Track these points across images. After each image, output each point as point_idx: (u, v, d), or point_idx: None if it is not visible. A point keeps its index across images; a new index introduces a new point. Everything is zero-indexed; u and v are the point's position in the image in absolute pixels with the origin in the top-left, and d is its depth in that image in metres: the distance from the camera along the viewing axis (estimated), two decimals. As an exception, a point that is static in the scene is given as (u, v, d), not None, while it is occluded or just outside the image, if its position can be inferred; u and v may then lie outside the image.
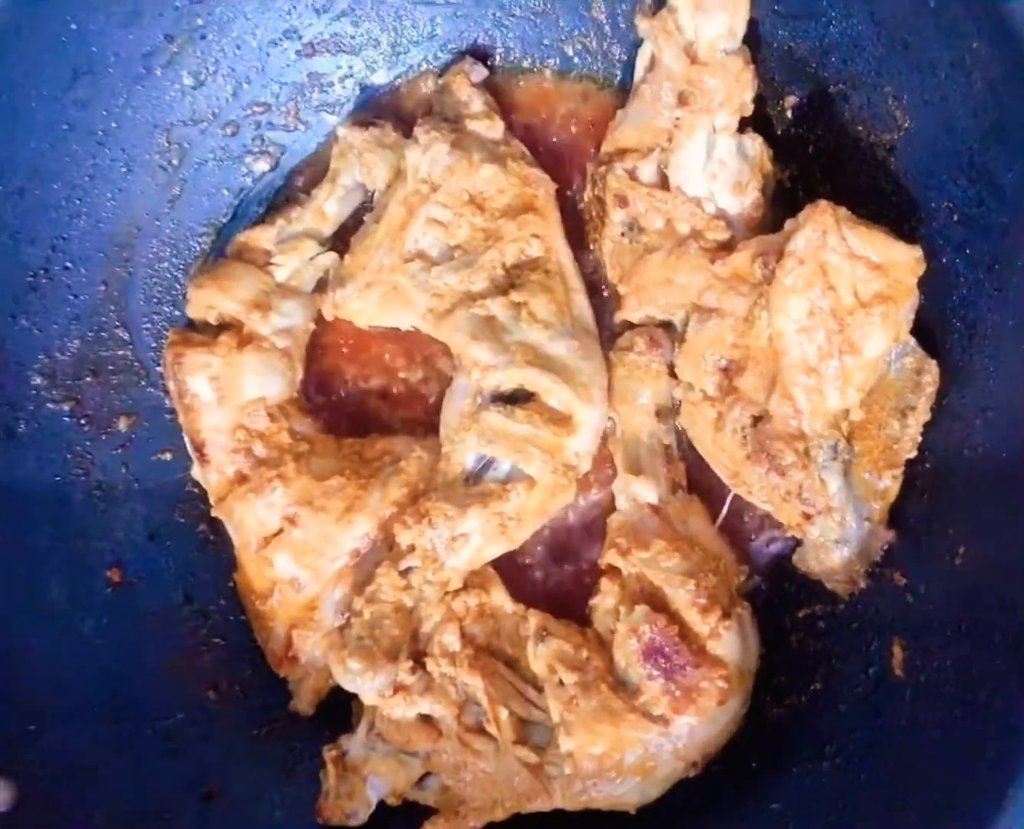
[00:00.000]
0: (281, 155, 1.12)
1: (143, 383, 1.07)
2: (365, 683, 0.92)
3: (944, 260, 0.90)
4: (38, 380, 0.99)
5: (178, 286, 1.07)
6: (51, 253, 0.98)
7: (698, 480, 1.04)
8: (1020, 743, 0.72)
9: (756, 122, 1.01)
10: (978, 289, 0.88)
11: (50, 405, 1.00)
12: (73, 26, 0.93)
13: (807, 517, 0.92)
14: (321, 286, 1.08)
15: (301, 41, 1.07)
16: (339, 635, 0.97)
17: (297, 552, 0.98)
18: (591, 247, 1.08)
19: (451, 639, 0.96)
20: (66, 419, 1.01)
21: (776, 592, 1.04)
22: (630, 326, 1.04)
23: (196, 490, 1.06)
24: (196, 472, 1.04)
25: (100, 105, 0.98)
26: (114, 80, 0.98)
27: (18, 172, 0.94)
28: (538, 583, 1.06)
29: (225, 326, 1.04)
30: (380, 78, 1.12)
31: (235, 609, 1.06)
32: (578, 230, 1.08)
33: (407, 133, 1.05)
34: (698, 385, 0.96)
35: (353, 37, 1.09)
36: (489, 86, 1.09)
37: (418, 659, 0.96)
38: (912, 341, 0.90)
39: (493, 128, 1.04)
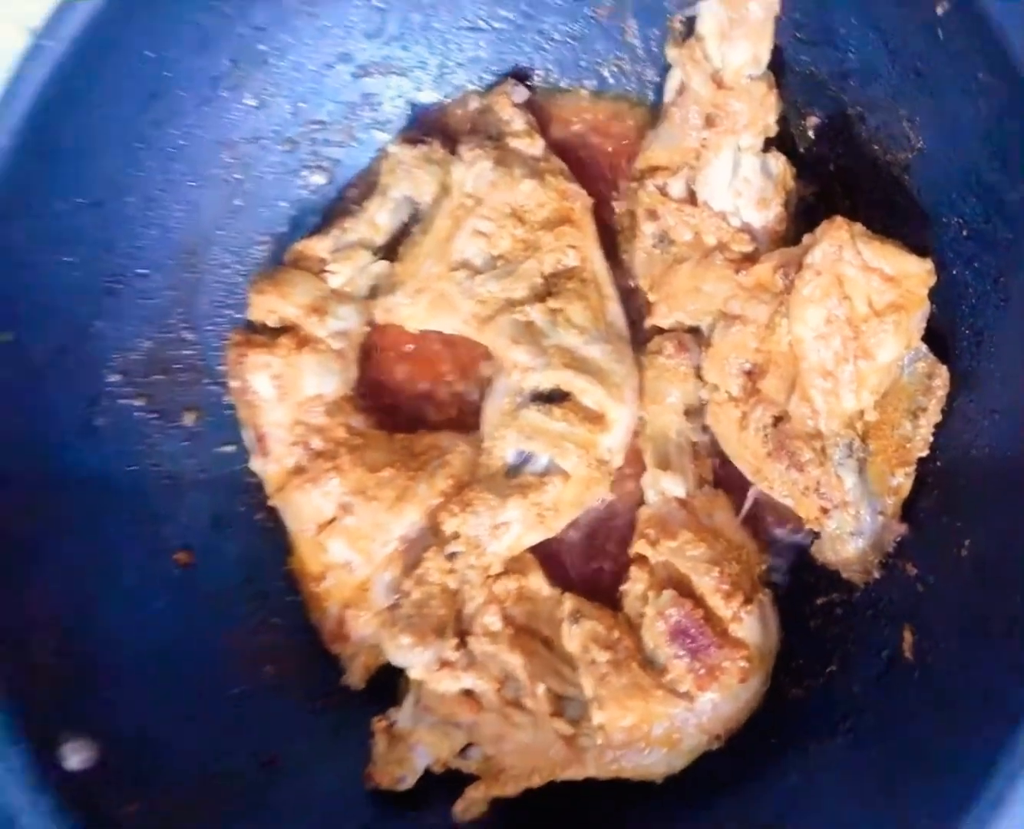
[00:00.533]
0: (335, 169, 1.14)
1: (206, 380, 1.10)
2: (414, 658, 0.95)
3: (954, 272, 0.93)
4: (114, 378, 1.02)
5: (240, 291, 1.11)
6: (126, 260, 1.02)
7: (723, 476, 1.05)
8: (1012, 717, 0.75)
9: (780, 141, 1.03)
10: (985, 300, 0.90)
11: (124, 401, 1.03)
12: (149, 54, 0.98)
13: (824, 511, 0.93)
14: (373, 292, 1.12)
15: (354, 64, 1.12)
16: (390, 614, 0.99)
17: (351, 538, 1.01)
18: (623, 257, 1.10)
19: (492, 620, 0.98)
20: (138, 414, 1.05)
21: (796, 581, 1.05)
22: (660, 331, 1.05)
23: (255, 480, 1.08)
24: (255, 464, 1.06)
25: (172, 125, 1.02)
26: (185, 102, 1.02)
27: (97, 186, 0.98)
28: (573, 569, 1.07)
29: (284, 328, 1.05)
30: (427, 97, 1.16)
31: (291, 591, 1.08)
32: (612, 241, 1.10)
33: (453, 149, 1.10)
34: (723, 387, 0.97)
35: (403, 60, 1.14)
36: (530, 106, 1.12)
37: (462, 638, 0.98)
38: (923, 347, 0.93)
39: (533, 145, 1.08)
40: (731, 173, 1.00)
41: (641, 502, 1.04)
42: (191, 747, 0.95)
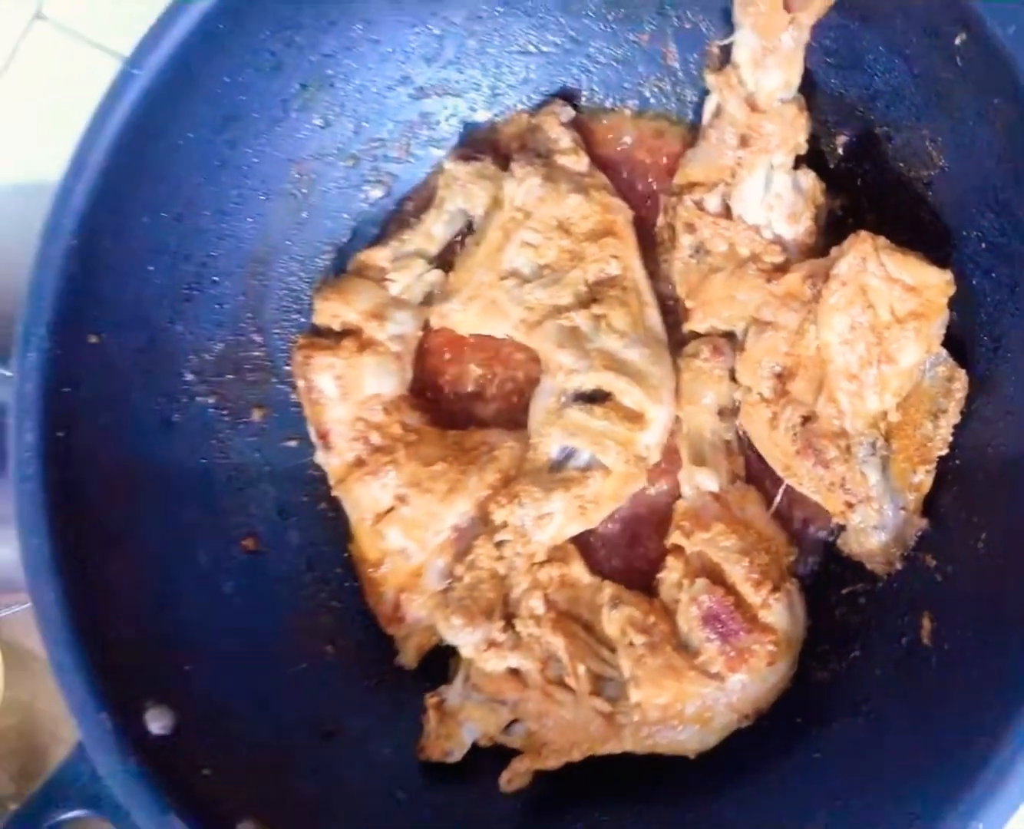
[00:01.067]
0: (394, 184, 1.17)
1: (274, 380, 1.13)
2: (465, 637, 0.97)
3: (973, 282, 0.95)
4: (189, 377, 1.06)
5: (305, 297, 1.13)
6: (201, 269, 1.05)
7: (755, 472, 1.06)
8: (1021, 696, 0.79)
9: (810, 158, 1.03)
10: (1002, 308, 0.93)
11: (198, 398, 1.06)
12: (227, 80, 1.03)
13: (850, 506, 0.94)
14: (428, 299, 1.11)
15: (413, 86, 1.15)
16: (443, 597, 1.02)
17: (406, 527, 1.04)
18: (662, 267, 1.10)
19: (537, 604, 0.99)
20: (211, 411, 1.08)
21: (823, 572, 1.05)
22: (696, 336, 1.06)
23: (317, 473, 1.10)
24: (319, 457, 1.07)
25: (245, 144, 1.05)
26: (257, 123, 1.04)
27: (178, 202, 1.01)
28: (612, 558, 1.08)
29: (347, 332, 1.07)
30: (480, 117, 1.18)
31: (350, 577, 1.10)
32: (651, 252, 1.10)
33: (503, 166, 1.12)
34: (755, 388, 0.98)
35: (458, 82, 1.17)
36: (576, 124, 1.12)
37: (508, 620, 1.00)
38: (944, 352, 0.94)
39: (579, 162, 1.09)
40: (764, 189, 1.00)
41: (677, 496, 1.05)
42: (257, 718, 0.98)
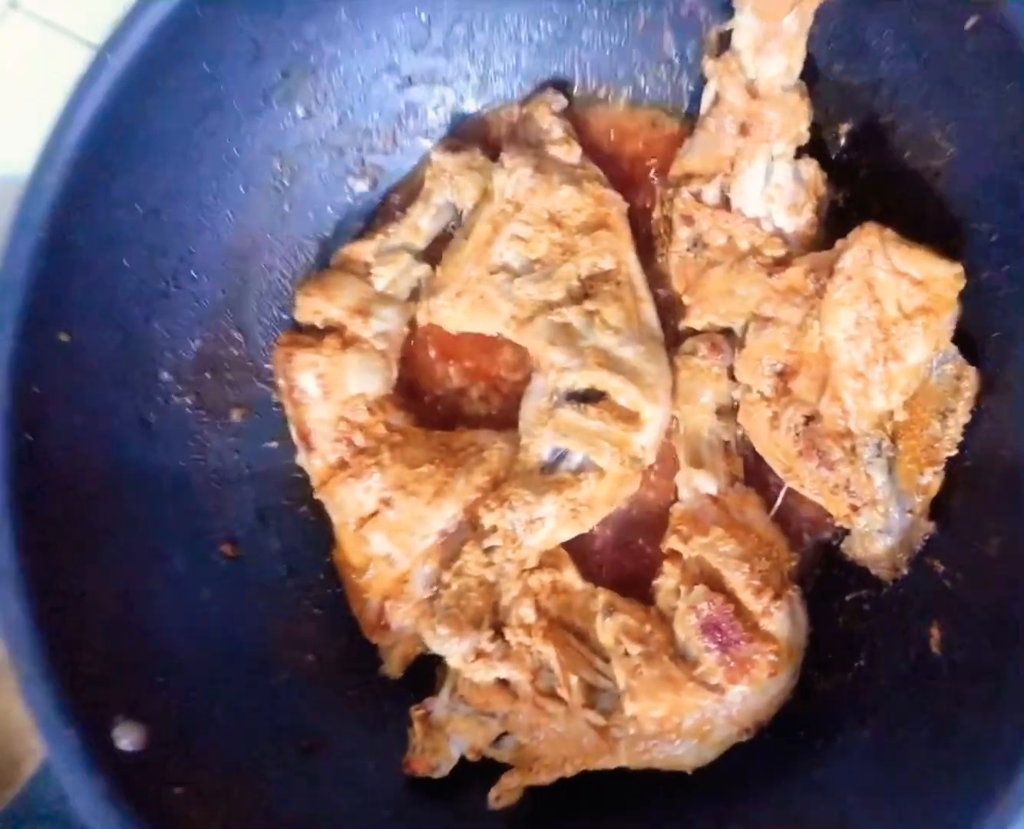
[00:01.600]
0: (379, 176, 1.15)
1: (254, 379, 1.12)
2: (452, 647, 0.96)
3: (983, 276, 0.92)
4: (166, 376, 1.04)
5: (287, 293, 1.12)
6: (179, 264, 1.04)
7: (754, 474, 1.05)
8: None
9: (812, 148, 1.01)
10: (1014, 303, 0.91)
11: (176, 398, 1.05)
12: (205, 68, 1.00)
13: (854, 509, 0.93)
14: (414, 295, 1.11)
15: (400, 75, 1.13)
16: (429, 605, 1.00)
17: (391, 531, 1.02)
18: (658, 261, 1.09)
19: (527, 612, 0.98)
20: (189, 411, 1.06)
21: (825, 577, 1.05)
22: (693, 333, 1.06)
23: (299, 476, 1.09)
24: (301, 459, 1.07)
25: (225, 135, 1.03)
26: (238, 113, 1.03)
27: (155, 194, 0.99)
28: (606, 564, 1.08)
29: (330, 329, 1.07)
30: (469, 106, 1.15)
31: (333, 583, 1.09)
32: (647, 246, 1.09)
33: (493, 157, 1.10)
34: (755, 387, 0.97)
35: (446, 70, 1.14)
36: (568, 114, 1.11)
37: (498, 629, 0.99)
38: (953, 349, 0.92)
39: (571, 153, 1.07)
40: (764, 180, 0.99)
41: (674, 499, 1.04)
42: (234, 732, 0.97)
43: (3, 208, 0.93)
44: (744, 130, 0.97)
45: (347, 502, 1.04)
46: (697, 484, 1.01)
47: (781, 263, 0.97)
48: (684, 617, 0.95)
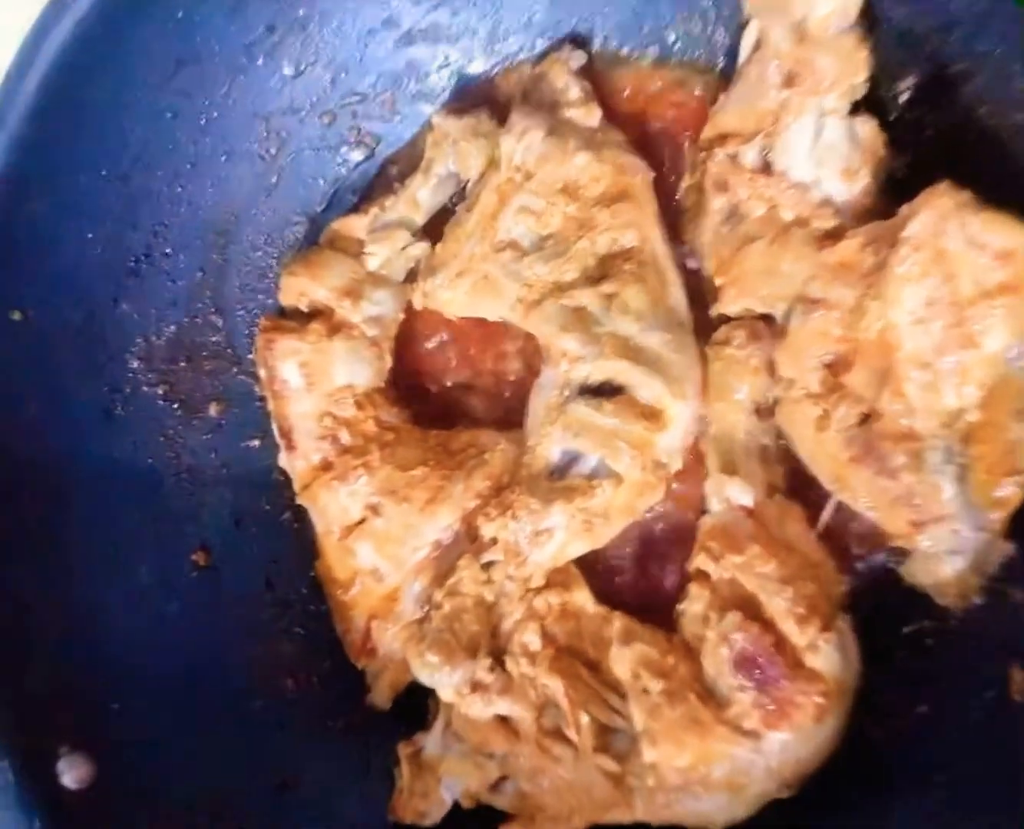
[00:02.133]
0: (376, 145, 1.11)
1: (234, 370, 1.08)
2: (443, 678, 0.92)
3: None
4: (135, 363, 1.01)
5: (272, 274, 1.09)
6: (152, 239, 1.01)
7: (797, 483, 1.00)
8: None
9: (868, 107, 0.95)
10: None
11: (145, 388, 1.02)
12: (179, 15, 0.95)
13: (916, 525, 0.88)
14: (412, 276, 1.07)
15: (399, 30, 1.07)
16: (419, 627, 0.97)
17: (379, 542, 0.99)
18: (687, 237, 1.05)
19: (532, 638, 0.95)
20: (160, 403, 1.03)
21: (880, 605, 0.99)
22: (727, 319, 1.01)
23: (282, 478, 1.06)
24: (282, 459, 1.03)
25: (202, 94, 1.00)
26: (217, 69, 0.99)
27: (123, 159, 0.96)
28: (623, 585, 1.03)
29: (316, 313, 1.03)
30: (477, 67, 1.10)
31: (316, 599, 1.06)
32: (674, 219, 1.05)
33: (503, 123, 1.04)
34: (800, 381, 0.92)
35: (451, 26, 1.09)
36: (586, 74, 1.06)
37: (497, 657, 0.95)
38: None
39: (590, 115, 1.02)
40: (813, 139, 0.93)
41: (703, 511, 1.00)
42: (199, 767, 0.94)
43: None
44: (791, 80, 0.91)
45: (330, 508, 1.00)
46: (730, 494, 0.96)
47: (832, 236, 0.92)
48: (714, 649, 0.90)
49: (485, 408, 1.09)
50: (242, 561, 1.06)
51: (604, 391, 0.96)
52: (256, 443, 1.08)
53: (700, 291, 1.03)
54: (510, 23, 1.09)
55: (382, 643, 1.01)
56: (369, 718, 1.03)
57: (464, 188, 1.08)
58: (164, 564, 1.00)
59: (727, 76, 1.02)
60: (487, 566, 0.96)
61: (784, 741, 0.88)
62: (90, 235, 0.96)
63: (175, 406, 1.04)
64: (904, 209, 0.85)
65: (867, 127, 0.94)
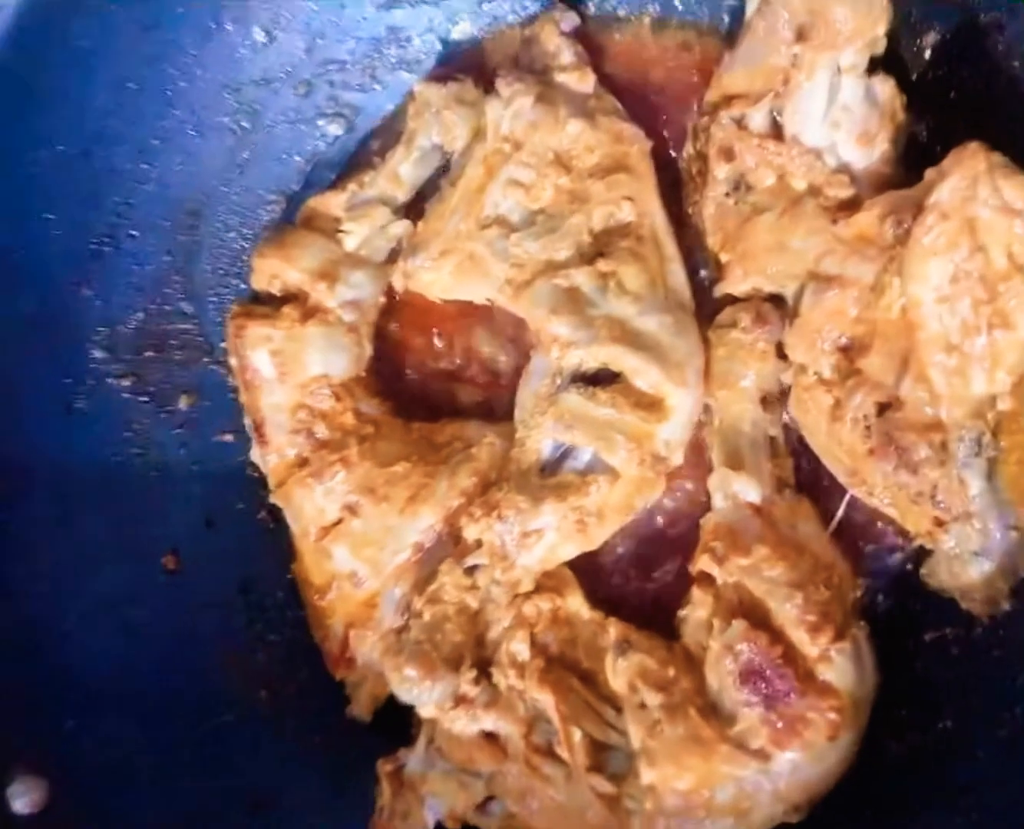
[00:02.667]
0: (356, 117, 1.09)
1: (206, 360, 1.06)
2: (422, 694, 0.90)
3: None
4: (98, 354, 1.00)
5: (246, 257, 1.06)
6: (116, 219, 0.99)
7: (809, 478, 0.98)
8: None
9: (887, 66, 0.93)
10: None
11: (110, 380, 1.00)
12: None
13: (940, 524, 0.85)
14: (393, 257, 1.04)
15: None
16: (396, 638, 0.95)
17: (356, 544, 0.96)
18: (690, 211, 1.02)
19: (520, 647, 0.93)
20: (126, 396, 1.01)
21: (899, 611, 0.97)
22: (733, 300, 0.99)
23: (257, 474, 1.04)
24: (256, 454, 1.02)
25: (168, 62, 0.98)
26: (183, 35, 0.97)
27: (83, 133, 0.94)
28: (620, 588, 1.02)
29: (289, 297, 1.01)
30: (463, 32, 1.08)
31: (293, 604, 1.04)
32: (675, 192, 1.03)
33: (490, 91, 1.02)
34: (812, 367, 0.90)
35: None
36: (580, 36, 1.04)
37: (483, 668, 0.93)
38: None
39: (584, 81, 1.01)
40: (827, 100, 0.91)
41: (706, 508, 0.98)
42: (166, 788, 0.92)
43: None
44: (803, 33, 0.88)
45: (306, 507, 0.97)
46: (735, 490, 0.94)
47: (848, 207, 0.89)
48: (718, 660, 0.87)
49: (472, 398, 1.06)
50: (214, 564, 1.03)
51: (599, 379, 0.94)
52: (229, 437, 1.06)
53: (703, 269, 1.01)
54: (499, -17, 1.06)
55: (361, 653, 0.98)
56: (349, 732, 1.00)
57: (450, 162, 1.06)
58: (129, 569, 0.98)
59: (733, 38, 0.99)
60: (471, 570, 0.93)
61: (794, 761, 0.85)
62: (48, 215, 0.94)
63: (142, 399, 1.02)
64: (930, 173, 0.82)
65: (887, 87, 0.92)
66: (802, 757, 0.84)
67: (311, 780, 0.99)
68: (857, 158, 0.92)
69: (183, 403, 1.04)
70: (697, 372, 0.94)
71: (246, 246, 1.06)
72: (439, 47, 1.08)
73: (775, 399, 0.97)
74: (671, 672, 0.89)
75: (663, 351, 0.92)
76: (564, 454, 0.95)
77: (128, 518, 0.99)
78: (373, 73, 1.07)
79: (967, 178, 0.77)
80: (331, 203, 1.03)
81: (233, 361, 1.00)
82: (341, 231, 1.02)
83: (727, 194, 0.96)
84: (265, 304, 1.03)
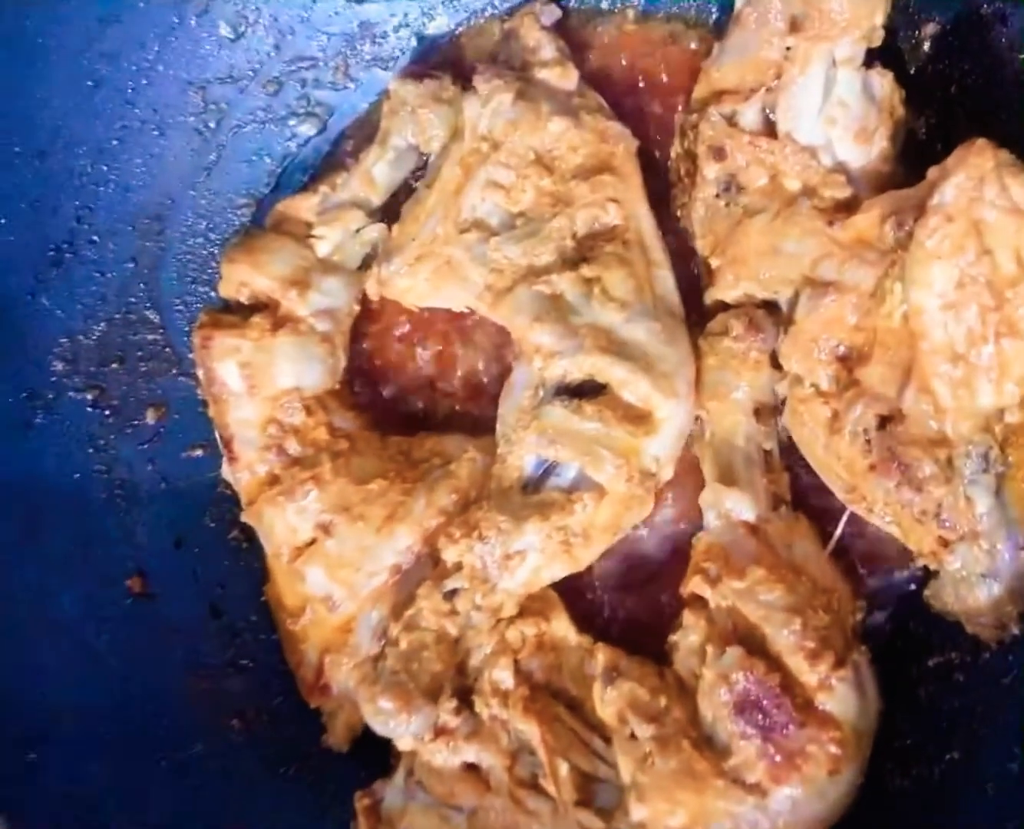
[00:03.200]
0: (328, 117, 1.08)
1: (174, 371, 1.05)
2: (398, 727, 0.87)
3: None
4: (59, 366, 0.98)
5: (214, 264, 1.05)
6: (75, 225, 0.98)
7: (806, 494, 0.96)
8: None
9: (884, 59, 0.91)
10: None
11: (71, 394, 0.99)
12: None
13: (945, 543, 0.84)
14: (367, 262, 1.03)
15: None
16: (372, 666, 0.92)
17: (331, 566, 0.94)
18: (678, 213, 1.01)
19: (503, 675, 0.91)
20: (88, 410, 1.00)
21: (902, 635, 0.96)
22: (724, 307, 0.97)
23: (228, 491, 1.02)
24: (226, 471, 0.99)
25: (129, 59, 0.96)
26: (144, 30, 0.96)
27: (39, 133, 0.94)
28: (608, 612, 1.00)
29: (259, 306, 0.99)
30: (439, 26, 1.07)
31: (267, 627, 1.02)
32: (663, 193, 1.02)
33: (467, 86, 1.00)
34: (809, 378, 0.89)
35: None
36: (562, 30, 1.03)
37: (464, 697, 0.91)
38: None
39: (566, 77, 0.99)
40: (822, 95, 0.89)
41: (698, 527, 0.96)
42: (129, 822, 0.90)
43: None
44: (796, 24, 0.88)
45: (277, 527, 0.95)
46: (729, 508, 0.92)
47: (845, 208, 0.88)
48: (712, 689, 0.85)
49: (451, 411, 1.05)
50: (183, 586, 1.02)
51: (584, 391, 0.93)
52: (199, 453, 1.04)
53: (693, 275, 1.00)
54: (478, -27, 1.05)
55: (337, 680, 0.96)
56: (325, 762, 0.99)
57: (426, 162, 1.04)
58: (93, 591, 0.97)
59: (722, 30, 0.98)
60: (450, 595, 0.92)
61: (793, 797, 0.83)
62: (2, 220, 0.93)
63: (106, 413, 1.01)
64: (932, 172, 0.80)
65: (884, 81, 0.91)
66: (801, 793, 0.82)
67: (285, 814, 0.97)
68: (854, 156, 0.90)
69: (150, 417, 1.02)
70: (688, 382, 0.93)
71: (214, 252, 1.05)
72: (414, 43, 1.06)
73: (769, 411, 0.95)
74: (662, 701, 0.87)
75: (651, 361, 0.90)
76: (548, 470, 0.93)
77: (91, 539, 0.98)
78: (346, 70, 1.06)
79: (973, 177, 0.76)
80: (302, 206, 1.02)
81: (200, 373, 0.98)
82: (313, 236, 1.01)
83: (717, 195, 0.94)
84: (235, 313, 1.00)
